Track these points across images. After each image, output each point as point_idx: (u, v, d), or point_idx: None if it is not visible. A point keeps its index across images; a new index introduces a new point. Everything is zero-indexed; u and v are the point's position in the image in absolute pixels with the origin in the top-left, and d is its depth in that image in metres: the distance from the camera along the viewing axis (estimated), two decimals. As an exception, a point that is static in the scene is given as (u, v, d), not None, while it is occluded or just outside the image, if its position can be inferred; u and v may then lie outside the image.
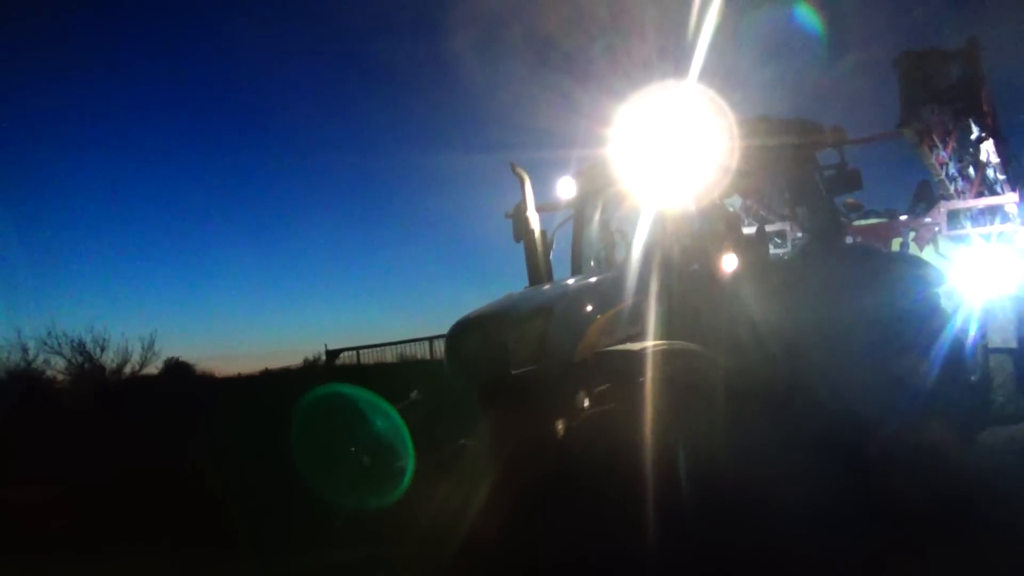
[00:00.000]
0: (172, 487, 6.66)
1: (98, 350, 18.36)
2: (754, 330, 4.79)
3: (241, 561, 4.87)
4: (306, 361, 21.81)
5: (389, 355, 21.66)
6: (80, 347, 18.16)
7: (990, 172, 8.47)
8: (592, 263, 6.21)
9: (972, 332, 6.44)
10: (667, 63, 5.55)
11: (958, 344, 5.73)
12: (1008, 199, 8.36)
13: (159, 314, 41.63)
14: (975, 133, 7.96)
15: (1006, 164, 8.98)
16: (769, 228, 7.84)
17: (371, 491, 3.99)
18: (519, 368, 4.27)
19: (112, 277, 39.97)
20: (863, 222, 8.78)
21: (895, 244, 8.14)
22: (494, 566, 3.60)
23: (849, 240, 8.51)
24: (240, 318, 40.11)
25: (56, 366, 18.23)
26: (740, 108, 5.79)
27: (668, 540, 3.44)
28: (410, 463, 3.90)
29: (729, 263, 5.62)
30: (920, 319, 5.49)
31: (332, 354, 23.23)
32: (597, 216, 6.12)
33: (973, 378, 5.92)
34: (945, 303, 6.42)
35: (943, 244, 8.36)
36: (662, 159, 5.30)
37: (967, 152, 8.25)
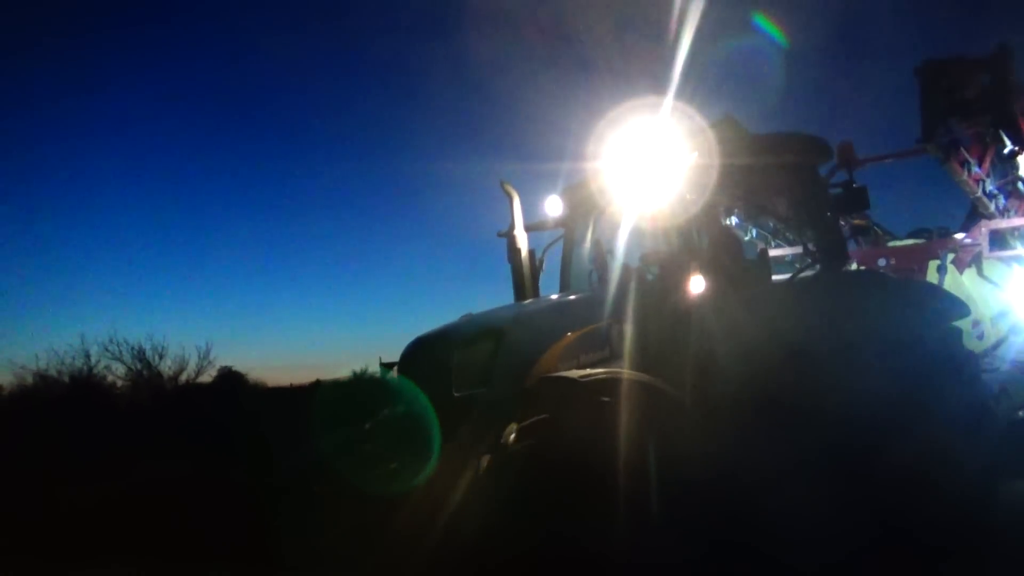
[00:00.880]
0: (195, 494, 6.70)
1: (156, 357, 18.96)
2: (736, 363, 4.46)
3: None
4: (355, 373, 21.94)
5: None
6: (140, 354, 18.76)
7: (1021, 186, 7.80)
8: (590, 281, 5.98)
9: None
10: (660, 78, 5.24)
11: (973, 392, 5.16)
12: None
13: (217, 324, 43.31)
14: (1008, 147, 7.34)
15: None
16: (779, 252, 7.50)
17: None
18: (464, 391, 4.10)
19: (173, 287, 41.91)
20: (897, 243, 8.25)
21: (931, 267, 7.59)
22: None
23: (857, 266, 8.08)
24: (298, 331, 41.13)
25: (116, 372, 18.84)
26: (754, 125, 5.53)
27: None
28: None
29: (717, 287, 5.36)
30: (928, 359, 4.88)
31: (387, 367, 23.40)
32: (587, 235, 5.89)
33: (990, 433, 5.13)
34: (964, 340, 5.89)
35: (988, 266, 7.77)
36: (648, 177, 5.07)
37: (1009, 167, 7.61)
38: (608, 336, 4.62)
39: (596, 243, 5.87)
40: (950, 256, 7.59)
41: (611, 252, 5.74)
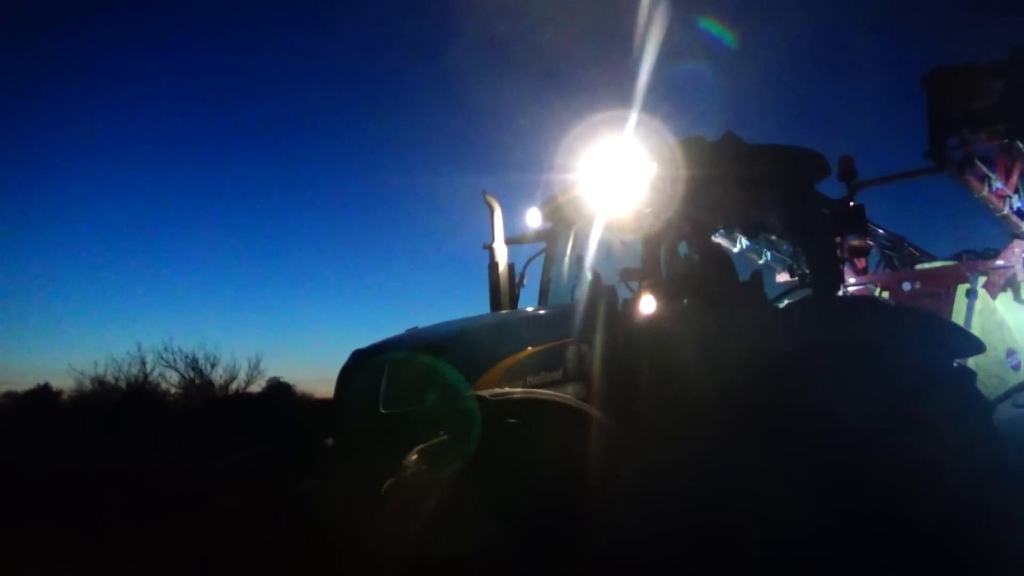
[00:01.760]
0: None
1: (209, 366, 19.54)
2: (700, 389, 4.18)
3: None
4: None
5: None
6: (193, 363, 19.37)
7: None
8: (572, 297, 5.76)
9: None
10: (631, 91, 5.06)
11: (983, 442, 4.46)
12: None
13: (268, 336, 44.57)
14: None
15: None
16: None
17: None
18: (394, 408, 3.96)
19: (227, 298, 43.53)
20: (926, 265, 7.73)
21: (960, 292, 7.06)
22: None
23: (880, 290, 7.57)
24: (345, 345, 41.83)
25: (170, 379, 19.50)
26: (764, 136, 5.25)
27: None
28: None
29: (697, 307, 5.09)
30: (922, 400, 4.33)
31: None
32: (568, 249, 5.68)
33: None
34: (998, 370, 5.39)
35: (1028, 291, 7.21)
36: (622, 190, 4.87)
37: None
38: (564, 356, 4.39)
39: (577, 258, 5.66)
40: (981, 279, 7.03)
41: (592, 268, 5.53)
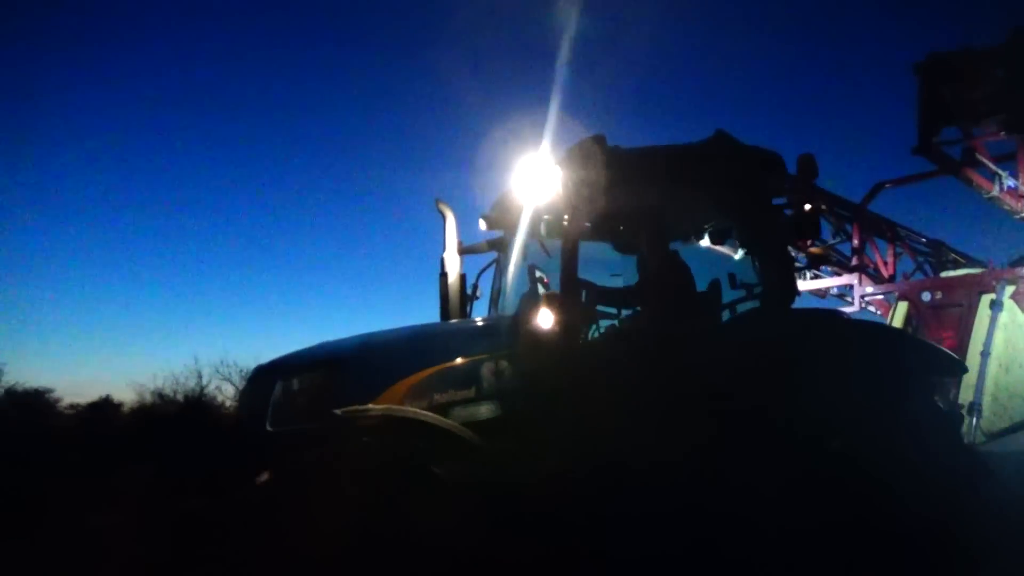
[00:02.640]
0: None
1: (264, 380, 19.93)
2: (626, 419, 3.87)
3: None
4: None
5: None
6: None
7: None
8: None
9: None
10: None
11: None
12: None
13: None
14: None
15: None
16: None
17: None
18: (282, 426, 3.77)
19: (284, 312, 44.68)
20: (950, 273, 7.04)
21: (983, 302, 6.37)
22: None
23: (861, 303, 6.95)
24: None
25: (226, 392, 20.03)
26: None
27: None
28: None
29: (641, 319, 4.75)
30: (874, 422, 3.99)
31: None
32: (515, 258, 5.39)
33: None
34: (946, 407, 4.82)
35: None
36: (548, 195, 4.62)
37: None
38: (479, 373, 4.11)
39: (529, 267, 5.35)
40: (1008, 289, 6.34)
41: (540, 279, 5.22)
